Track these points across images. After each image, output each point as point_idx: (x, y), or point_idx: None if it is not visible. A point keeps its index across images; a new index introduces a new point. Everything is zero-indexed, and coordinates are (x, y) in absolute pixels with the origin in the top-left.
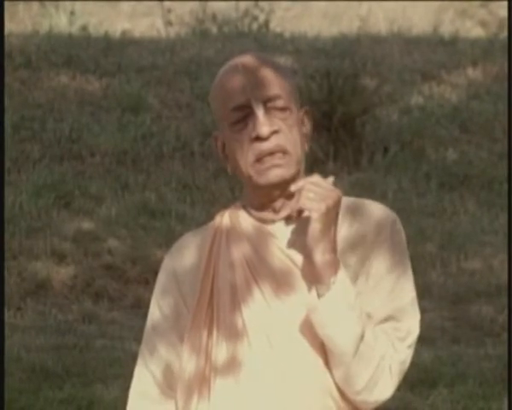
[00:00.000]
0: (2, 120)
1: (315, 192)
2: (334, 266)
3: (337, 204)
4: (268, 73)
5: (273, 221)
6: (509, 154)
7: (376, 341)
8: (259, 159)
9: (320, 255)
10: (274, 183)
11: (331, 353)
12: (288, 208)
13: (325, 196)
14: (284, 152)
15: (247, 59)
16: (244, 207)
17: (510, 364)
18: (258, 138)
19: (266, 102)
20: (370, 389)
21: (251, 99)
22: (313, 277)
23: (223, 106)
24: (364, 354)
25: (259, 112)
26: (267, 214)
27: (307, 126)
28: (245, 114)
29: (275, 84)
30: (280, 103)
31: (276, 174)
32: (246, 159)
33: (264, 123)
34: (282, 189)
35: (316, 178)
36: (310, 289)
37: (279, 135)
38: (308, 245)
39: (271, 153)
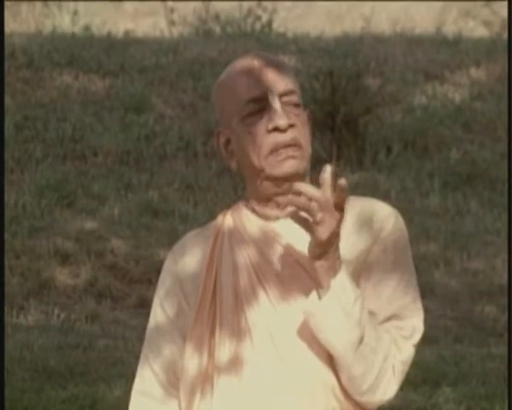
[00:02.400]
0: (2, 121)
1: (318, 213)
2: (334, 269)
3: (339, 224)
4: (283, 69)
5: (277, 218)
6: (509, 154)
7: (379, 342)
8: (274, 151)
9: (321, 261)
10: (288, 174)
11: (332, 355)
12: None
13: (328, 219)
14: (299, 146)
15: (262, 56)
16: (247, 205)
17: (510, 364)
18: (276, 130)
19: (282, 96)
20: (374, 389)
21: (267, 91)
22: (314, 280)
23: (235, 100)
24: (366, 355)
25: (277, 104)
26: (271, 211)
27: (310, 128)
28: (260, 107)
29: (290, 80)
30: (294, 99)
31: (291, 165)
32: (259, 151)
33: (282, 115)
34: (291, 183)
35: (316, 193)
36: (310, 292)
37: (295, 129)
38: (309, 254)
39: (287, 145)
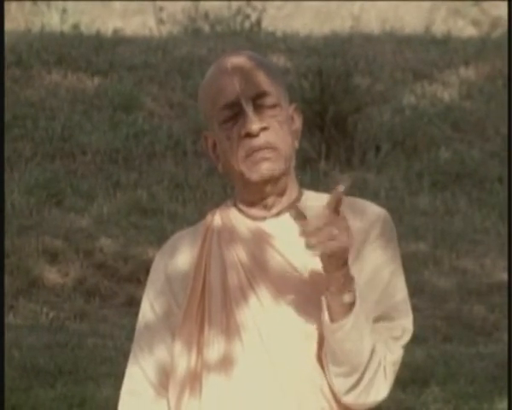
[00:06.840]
0: (3, 120)
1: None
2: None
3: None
4: (256, 71)
5: (264, 218)
6: (509, 154)
7: (375, 344)
8: (249, 155)
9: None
10: (265, 177)
11: (347, 363)
12: (279, 205)
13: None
14: (273, 148)
15: (236, 57)
16: (235, 205)
17: (510, 364)
18: (248, 135)
19: (255, 99)
20: (368, 391)
21: (240, 96)
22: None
23: (212, 105)
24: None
25: (249, 109)
26: (258, 211)
27: (297, 123)
28: (235, 112)
29: (264, 82)
30: (269, 100)
31: (266, 168)
32: (236, 156)
33: (253, 120)
34: (273, 184)
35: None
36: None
37: (268, 132)
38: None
39: (261, 149)
